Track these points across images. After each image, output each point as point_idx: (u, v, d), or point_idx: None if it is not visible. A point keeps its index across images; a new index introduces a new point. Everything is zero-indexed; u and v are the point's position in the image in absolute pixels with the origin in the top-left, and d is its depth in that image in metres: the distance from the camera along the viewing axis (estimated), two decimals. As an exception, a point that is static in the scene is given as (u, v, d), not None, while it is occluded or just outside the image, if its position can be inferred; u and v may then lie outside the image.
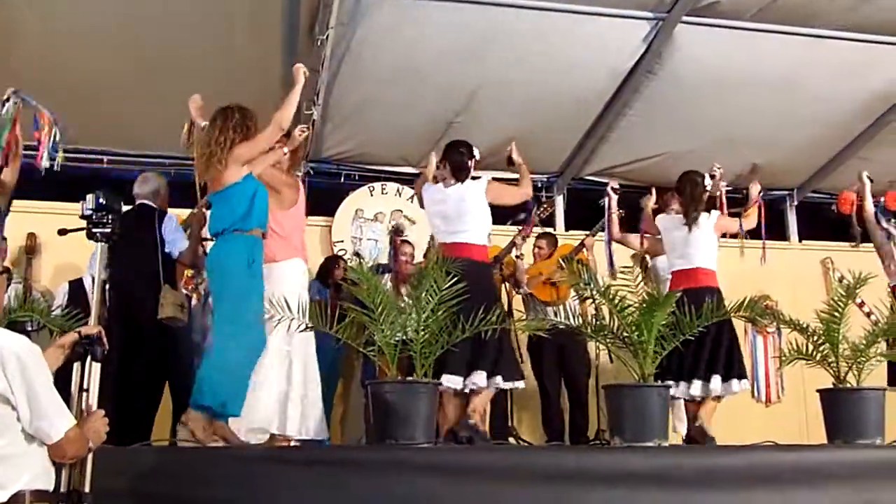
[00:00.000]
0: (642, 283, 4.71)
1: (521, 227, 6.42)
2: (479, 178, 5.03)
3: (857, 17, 6.30)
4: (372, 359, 4.32)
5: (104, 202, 3.13)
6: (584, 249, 6.48)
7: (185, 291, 5.49)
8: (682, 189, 5.42)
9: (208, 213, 4.71)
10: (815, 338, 4.73)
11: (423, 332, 4.10)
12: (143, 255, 5.05)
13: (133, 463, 3.53)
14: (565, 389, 6.50)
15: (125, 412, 4.37)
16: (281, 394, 4.48)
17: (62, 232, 5.65)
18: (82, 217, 3.16)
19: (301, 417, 4.50)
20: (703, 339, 4.84)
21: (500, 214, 5.50)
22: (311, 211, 7.48)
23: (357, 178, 7.73)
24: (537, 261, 6.70)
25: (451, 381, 4.45)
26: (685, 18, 6.25)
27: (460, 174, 4.92)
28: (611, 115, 7.19)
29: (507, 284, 6.49)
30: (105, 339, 2.91)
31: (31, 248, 6.70)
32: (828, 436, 4.66)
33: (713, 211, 5.43)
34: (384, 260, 6.64)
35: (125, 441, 3.89)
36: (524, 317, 6.16)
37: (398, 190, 7.71)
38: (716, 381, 5.02)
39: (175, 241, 5.22)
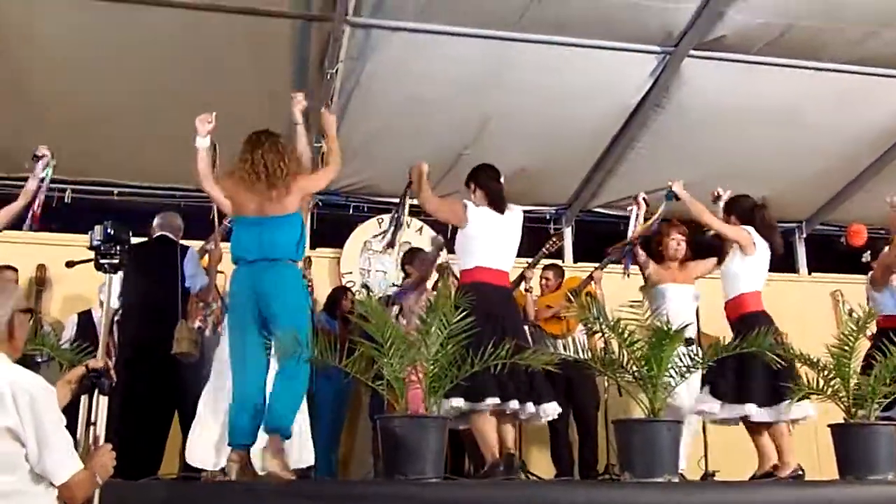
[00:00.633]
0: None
1: (528, 263, 6.39)
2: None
3: (863, 50, 6.34)
4: (381, 393, 4.29)
5: (112, 233, 3.15)
6: (593, 282, 6.45)
7: (198, 324, 5.51)
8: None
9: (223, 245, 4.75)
10: (826, 372, 4.69)
11: (433, 366, 4.07)
12: (163, 289, 5.08)
13: (142, 498, 3.53)
14: (573, 422, 6.46)
15: (134, 445, 4.34)
16: None
17: (70, 264, 5.69)
18: (90, 248, 3.18)
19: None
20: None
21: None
22: (319, 242, 7.57)
23: (366, 209, 7.77)
24: (544, 292, 6.68)
25: (512, 404, 4.44)
26: (692, 52, 6.29)
27: (502, 203, 4.88)
28: (619, 148, 7.22)
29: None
30: (112, 372, 2.91)
31: (41, 280, 6.73)
32: (839, 471, 4.61)
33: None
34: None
35: (134, 474, 3.88)
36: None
37: (407, 222, 7.71)
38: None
39: (196, 277, 5.29)
